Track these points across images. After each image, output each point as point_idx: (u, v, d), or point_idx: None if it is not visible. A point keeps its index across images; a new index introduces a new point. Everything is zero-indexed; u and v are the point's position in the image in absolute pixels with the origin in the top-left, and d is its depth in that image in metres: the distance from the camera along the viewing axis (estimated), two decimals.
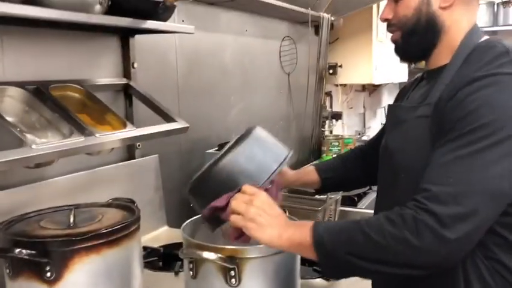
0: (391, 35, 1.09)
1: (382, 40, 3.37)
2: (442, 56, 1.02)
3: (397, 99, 1.25)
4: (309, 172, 1.37)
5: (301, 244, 0.91)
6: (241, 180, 0.98)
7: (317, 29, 3.04)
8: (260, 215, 0.93)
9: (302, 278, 1.20)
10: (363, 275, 0.91)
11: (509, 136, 0.85)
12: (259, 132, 1.08)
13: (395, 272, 0.86)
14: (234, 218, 0.94)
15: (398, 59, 1.12)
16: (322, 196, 1.88)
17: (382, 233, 0.83)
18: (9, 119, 1.20)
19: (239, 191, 0.97)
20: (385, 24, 1.10)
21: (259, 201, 0.94)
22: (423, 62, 1.11)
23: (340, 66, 3.28)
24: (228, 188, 0.99)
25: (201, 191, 1.05)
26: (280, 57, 2.80)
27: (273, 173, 1.01)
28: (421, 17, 1.01)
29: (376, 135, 1.36)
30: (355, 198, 2.18)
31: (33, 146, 1.10)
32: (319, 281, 1.38)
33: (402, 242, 0.82)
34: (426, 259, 0.83)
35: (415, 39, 1.03)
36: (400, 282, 0.98)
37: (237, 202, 0.95)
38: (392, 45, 1.10)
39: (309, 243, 0.89)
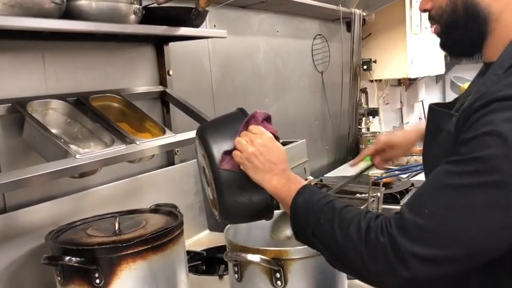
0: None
1: (416, 33, 3.29)
2: (496, 48, 0.83)
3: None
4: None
5: (283, 201, 0.92)
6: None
7: (349, 26, 3.01)
8: (257, 156, 0.94)
9: (348, 278, 1.18)
10: (325, 258, 0.87)
11: (508, 182, 0.68)
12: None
13: (346, 272, 0.86)
14: (234, 153, 0.96)
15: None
16: (363, 195, 1.85)
17: (345, 235, 0.80)
18: (53, 131, 1.23)
19: (247, 123, 0.99)
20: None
21: (260, 142, 0.95)
22: None
23: (375, 61, 3.22)
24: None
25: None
26: (312, 56, 2.78)
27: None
28: (457, 5, 0.84)
29: None
30: (398, 196, 2.13)
31: (78, 156, 1.13)
32: None
33: (357, 254, 0.78)
34: (372, 279, 0.79)
35: (458, 33, 0.86)
36: None
37: (240, 139, 0.96)
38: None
39: (289, 205, 0.91)
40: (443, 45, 0.92)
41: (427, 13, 0.93)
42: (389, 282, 0.76)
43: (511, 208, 0.69)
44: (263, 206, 0.98)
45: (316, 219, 0.85)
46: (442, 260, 0.72)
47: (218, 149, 0.97)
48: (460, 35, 0.87)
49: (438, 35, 0.91)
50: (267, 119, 1.01)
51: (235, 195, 0.96)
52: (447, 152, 0.78)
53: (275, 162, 0.94)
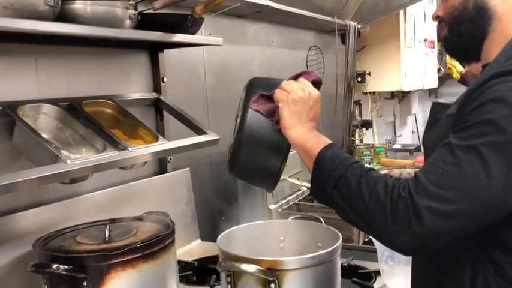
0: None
1: (410, 46, 3.31)
2: (494, 48, 0.92)
3: None
4: None
5: (309, 150, 0.93)
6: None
7: (343, 38, 3.02)
8: (302, 103, 0.97)
9: None
10: (337, 211, 0.89)
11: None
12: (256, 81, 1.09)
13: (362, 229, 0.88)
14: (278, 91, 0.98)
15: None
16: None
17: (371, 190, 0.83)
18: (44, 135, 1.21)
19: (299, 75, 1.03)
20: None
21: (311, 93, 0.98)
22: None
23: (369, 74, 3.23)
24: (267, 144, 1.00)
25: (244, 161, 1.01)
26: (307, 67, 2.78)
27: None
28: (468, 3, 0.94)
29: None
30: None
31: (68, 162, 1.10)
32: None
33: (379, 208, 0.81)
34: (387, 237, 0.81)
35: (463, 28, 0.95)
36: None
37: (290, 82, 0.99)
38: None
39: (314, 156, 0.92)
40: (447, 42, 1.01)
41: (437, 21, 1.02)
42: (403, 241, 0.79)
43: None
44: (272, 165, 0.99)
45: (343, 172, 0.87)
46: (453, 214, 0.77)
47: (258, 90, 1.00)
48: (466, 30, 0.95)
49: (445, 35, 1.00)
50: (317, 83, 1.02)
51: (252, 140, 0.98)
52: (446, 133, 0.85)
53: (312, 118, 0.98)
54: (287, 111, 0.96)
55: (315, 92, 0.99)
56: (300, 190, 2.30)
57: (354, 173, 0.86)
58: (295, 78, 1.01)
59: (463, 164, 0.77)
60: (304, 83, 1.00)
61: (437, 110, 1.04)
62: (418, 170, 0.83)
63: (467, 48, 0.99)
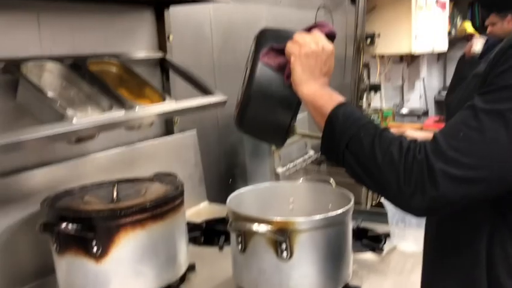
0: None
1: (421, 7, 3.21)
2: None
3: None
4: None
5: (321, 107, 0.88)
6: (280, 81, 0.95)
7: None
8: (315, 57, 0.91)
9: (354, 250, 1.15)
10: (348, 171, 0.86)
11: None
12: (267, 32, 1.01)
13: (374, 190, 0.86)
14: (290, 45, 0.92)
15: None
16: None
17: (385, 151, 0.79)
18: (49, 93, 1.18)
19: (312, 28, 0.95)
20: None
21: (325, 46, 0.91)
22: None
23: (378, 35, 3.15)
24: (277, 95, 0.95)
25: (252, 118, 0.97)
26: None
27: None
28: None
29: None
30: None
31: (74, 120, 1.08)
32: (369, 254, 1.33)
33: (393, 169, 0.77)
34: (400, 199, 0.78)
35: None
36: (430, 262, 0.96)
37: (302, 35, 0.93)
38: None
39: (326, 114, 0.87)
40: None
41: None
42: (415, 203, 0.76)
43: None
44: (282, 121, 0.95)
45: (356, 131, 0.83)
46: (469, 180, 0.74)
47: (268, 42, 0.94)
48: None
49: None
50: (331, 36, 0.96)
51: (261, 95, 0.93)
52: (472, 93, 0.80)
53: (325, 73, 0.92)
54: (299, 65, 0.90)
55: (328, 45, 0.93)
56: (307, 153, 2.28)
57: (368, 133, 0.82)
58: (309, 30, 0.95)
59: (486, 130, 0.73)
60: (318, 36, 0.93)
61: (463, 67, 0.99)
62: (434, 133, 0.79)
63: (507, 1, 0.93)
